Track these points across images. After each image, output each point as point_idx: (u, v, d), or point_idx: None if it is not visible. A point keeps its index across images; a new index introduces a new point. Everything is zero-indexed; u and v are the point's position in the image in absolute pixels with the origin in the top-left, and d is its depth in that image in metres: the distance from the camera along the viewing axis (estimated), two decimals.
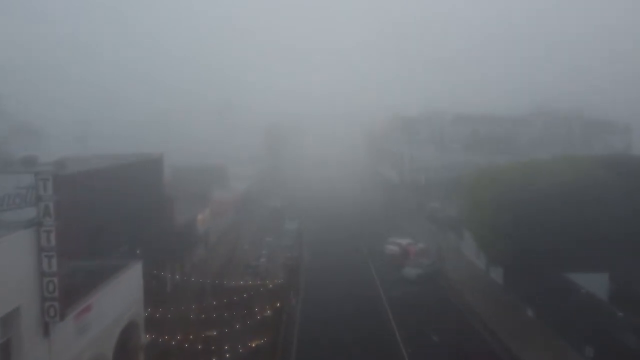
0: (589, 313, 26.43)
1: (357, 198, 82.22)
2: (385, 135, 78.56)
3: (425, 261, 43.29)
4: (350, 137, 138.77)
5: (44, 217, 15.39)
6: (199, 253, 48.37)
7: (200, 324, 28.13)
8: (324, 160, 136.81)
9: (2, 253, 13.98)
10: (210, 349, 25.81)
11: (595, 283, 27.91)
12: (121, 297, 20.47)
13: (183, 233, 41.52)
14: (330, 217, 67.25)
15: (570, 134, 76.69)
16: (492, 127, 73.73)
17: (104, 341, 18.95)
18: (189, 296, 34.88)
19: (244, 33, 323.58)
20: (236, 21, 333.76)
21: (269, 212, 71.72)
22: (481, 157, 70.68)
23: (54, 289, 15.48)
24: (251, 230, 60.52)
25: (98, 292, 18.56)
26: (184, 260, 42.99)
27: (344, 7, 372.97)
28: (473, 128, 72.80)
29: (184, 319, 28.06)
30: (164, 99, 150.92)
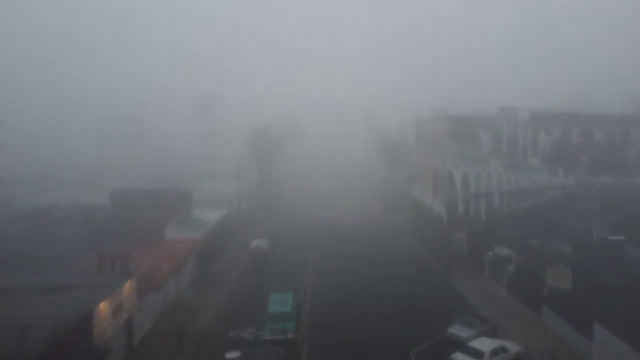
0: None
1: (382, 237, 56.03)
2: (421, 142, 54.29)
3: None
4: (366, 144, 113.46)
5: None
6: None
7: None
8: (330, 171, 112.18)
9: None
10: None
11: None
12: None
13: None
14: (345, 272, 42.30)
15: None
16: (588, 131, 48.17)
17: None
18: None
19: (238, 25, 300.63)
20: (232, 13, 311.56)
21: (250, 258, 47.97)
22: (576, 176, 47.19)
23: None
24: (214, 304, 36.64)
25: None
26: None
27: (349, 3, 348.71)
28: (562, 131, 47.42)
29: None
30: (137, 92, 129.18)
